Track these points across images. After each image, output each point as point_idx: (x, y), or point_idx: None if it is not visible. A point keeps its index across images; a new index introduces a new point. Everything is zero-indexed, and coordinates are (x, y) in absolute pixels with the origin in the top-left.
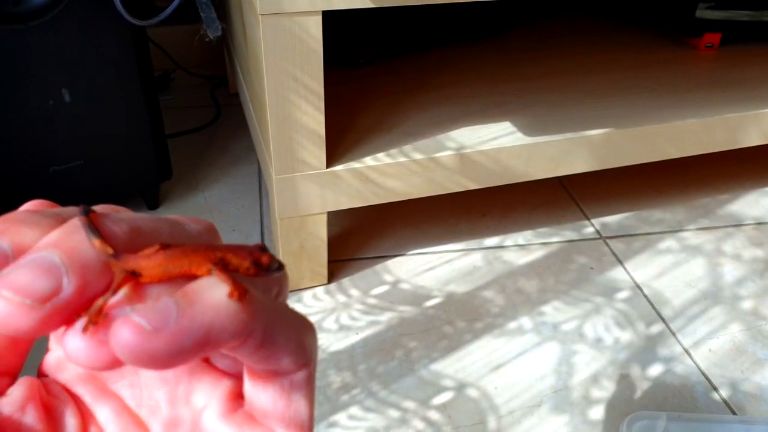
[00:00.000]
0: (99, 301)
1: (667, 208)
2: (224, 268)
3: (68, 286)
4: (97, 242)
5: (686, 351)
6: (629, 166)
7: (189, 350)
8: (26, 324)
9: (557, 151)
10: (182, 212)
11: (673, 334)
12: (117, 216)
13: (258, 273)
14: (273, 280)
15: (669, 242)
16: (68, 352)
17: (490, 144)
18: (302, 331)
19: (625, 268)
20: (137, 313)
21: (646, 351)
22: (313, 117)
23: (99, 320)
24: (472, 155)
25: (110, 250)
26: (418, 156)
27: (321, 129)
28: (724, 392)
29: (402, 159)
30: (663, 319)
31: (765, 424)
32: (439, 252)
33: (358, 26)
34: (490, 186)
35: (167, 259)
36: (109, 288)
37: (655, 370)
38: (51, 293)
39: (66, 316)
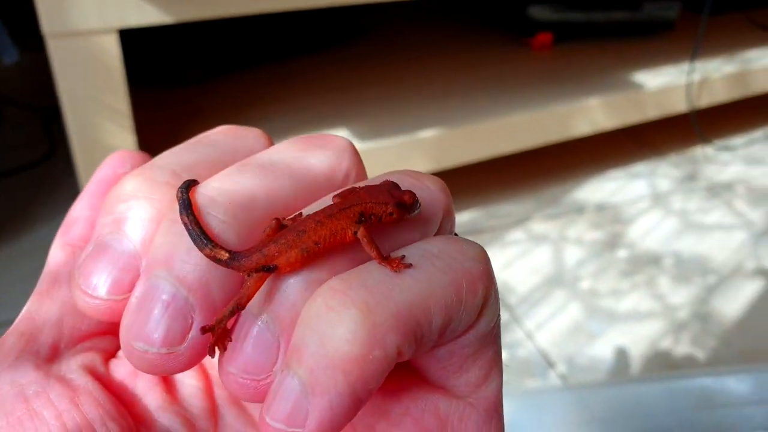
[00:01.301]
0: (226, 312)
1: (516, 201)
2: (367, 222)
3: (197, 320)
4: (208, 251)
5: (528, 335)
6: (481, 162)
7: (345, 415)
8: (175, 367)
9: (392, 155)
10: (11, 254)
11: (517, 320)
12: (210, 195)
13: (402, 216)
14: (428, 220)
15: (516, 234)
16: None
17: None
18: (476, 279)
19: None
20: (265, 411)
21: None
22: (121, 138)
23: (225, 344)
24: None
25: (224, 255)
26: None
27: (132, 149)
28: (562, 368)
29: None
30: (508, 307)
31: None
32: None
33: (186, 44)
34: None
35: (301, 237)
36: (237, 294)
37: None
38: (182, 335)
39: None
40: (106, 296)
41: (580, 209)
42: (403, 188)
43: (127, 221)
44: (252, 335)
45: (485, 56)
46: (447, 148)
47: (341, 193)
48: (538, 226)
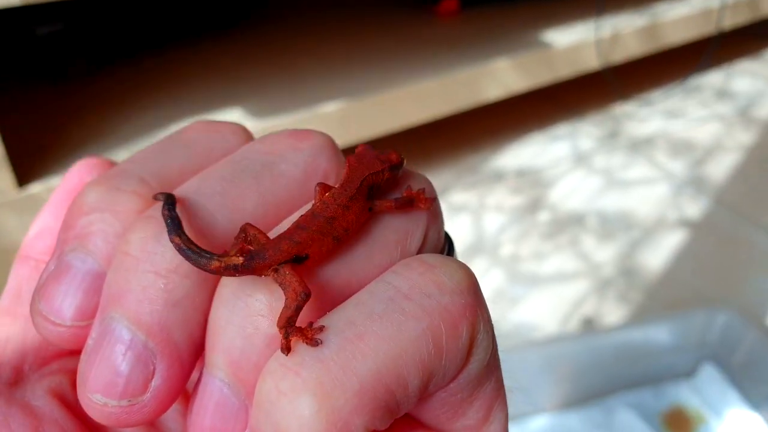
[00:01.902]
0: (292, 310)
1: (436, 172)
2: (374, 195)
3: (159, 366)
4: (217, 265)
5: None
6: (392, 135)
7: None
8: (139, 419)
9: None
10: None
11: None
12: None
13: (395, 177)
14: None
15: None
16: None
17: None
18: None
19: None
20: None
21: None
22: None
23: (311, 338)
24: None
25: (238, 259)
26: None
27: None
28: None
29: None
30: None
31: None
32: None
33: (69, 36)
34: None
35: (332, 224)
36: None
37: None
38: (144, 384)
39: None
40: (70, 322)
41: (499, 176)
42: (367, 152)
43: (90, 237)
44: (214, 399)
45: (389, 25)
46: (351, 121)
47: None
48: (457, 197)
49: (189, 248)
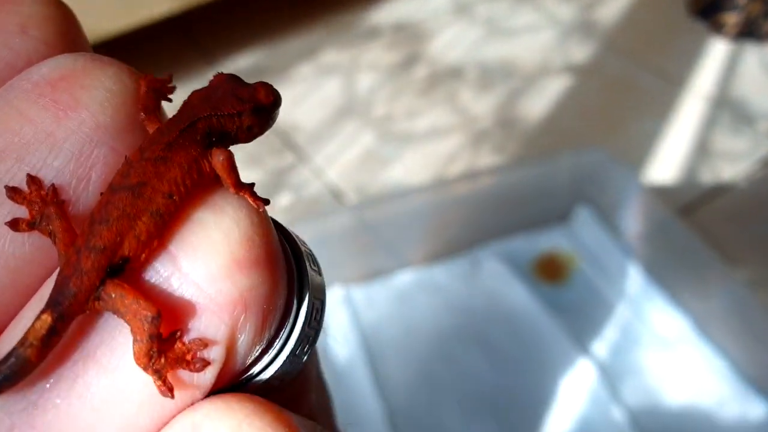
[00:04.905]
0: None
1: (305, 34)
2: (221, 143)
3: None
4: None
5: (317, 172)
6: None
7: None
8: None
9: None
10: None
11: (305, 159)
12: None
13: (266, 123)
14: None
15: (304, 69)
16: None
17: None
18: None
19: None
20: None
21: (276, 184)
22: None
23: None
24: None
25: (47, 319)
26: None
27: None
28: (353, 198)
29: None
30: (295, 148)
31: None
32: None
33: None
34: None
35: (142, 195)
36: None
37: (285, 199)
38: None
39: None
40: None
41: (375, 33)
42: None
43: None
44: None
45: None
46: None
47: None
48: (329, 57)
49: None
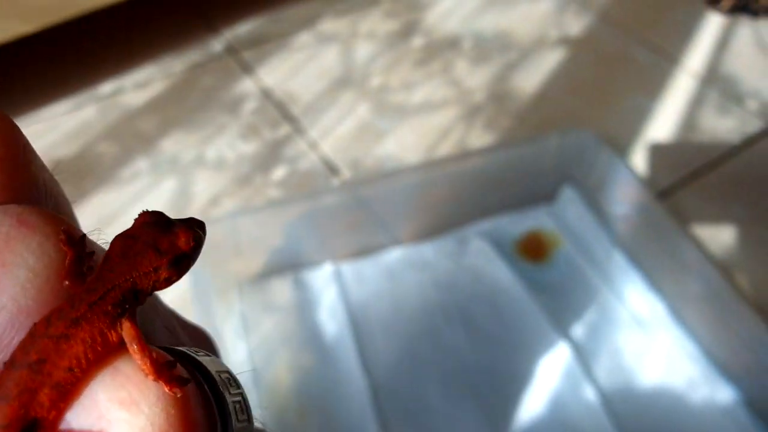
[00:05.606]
0: None
1: (301, 1)
2: (132, 307)
3: None
4: None
5: (312, 145)
6: None
7: None
8: None
9: None
10: None
11: (300, 131)
12: None
13: (185, 270)
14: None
15: (303, 38)
16: None
17: None
18: None
19: (253, 79)
20: None
21: (272, 157)
22: None
23: None
24: None
25: None
26: None
27: None
28: (346, 173)
29: None
30: (291, 119)
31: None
32: (46, 118)
33: None
34: (50, 24)
35: (41, 372)
36: None
37: (280, 172)
38: None
39: None
40: None
41: (373, 0)
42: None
43: None
44: None
45: None
46: None
47: (69, 269)
48: (328, 26)
49: None
